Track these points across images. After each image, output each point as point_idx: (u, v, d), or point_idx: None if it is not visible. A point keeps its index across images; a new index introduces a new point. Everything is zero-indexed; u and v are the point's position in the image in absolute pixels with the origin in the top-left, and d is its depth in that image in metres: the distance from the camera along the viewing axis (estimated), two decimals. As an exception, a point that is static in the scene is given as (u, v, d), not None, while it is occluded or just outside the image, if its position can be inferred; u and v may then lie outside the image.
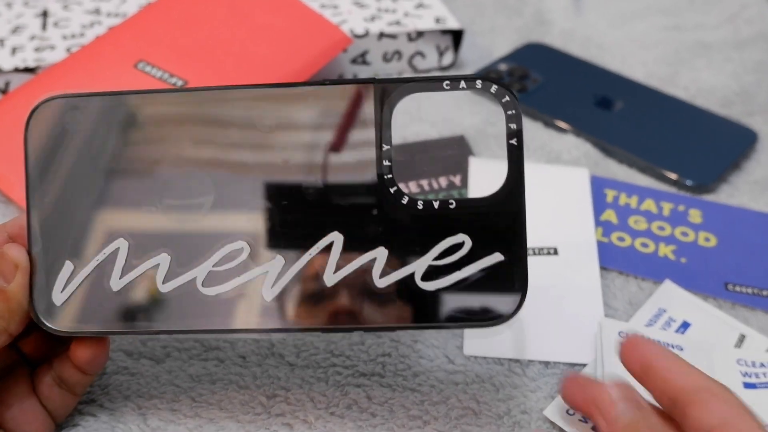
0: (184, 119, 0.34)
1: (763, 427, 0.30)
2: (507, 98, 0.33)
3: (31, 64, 0.58)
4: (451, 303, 0.32)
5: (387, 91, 0.33)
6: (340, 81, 0.34)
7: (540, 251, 0.48)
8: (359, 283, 0.33)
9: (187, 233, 0.34)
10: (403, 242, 0.33)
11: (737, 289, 0.48)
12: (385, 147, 0.33)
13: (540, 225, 0.50)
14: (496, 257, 0.32)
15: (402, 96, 0.33)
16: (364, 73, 0.65)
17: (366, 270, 0.33)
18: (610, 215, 0.52)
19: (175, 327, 0.34)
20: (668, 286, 0.47)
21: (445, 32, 0.65)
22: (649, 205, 0.54)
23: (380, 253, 0.33)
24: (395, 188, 0.33)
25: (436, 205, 0.33)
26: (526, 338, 0.39)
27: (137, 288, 0.34)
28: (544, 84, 0.64)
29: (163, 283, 0.34)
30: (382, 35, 0.63)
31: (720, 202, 0.55)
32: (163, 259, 0.34)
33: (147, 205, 0.34)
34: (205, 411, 0.40)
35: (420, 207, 0.33)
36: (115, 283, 0.34)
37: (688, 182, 0.55)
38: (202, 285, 0.34)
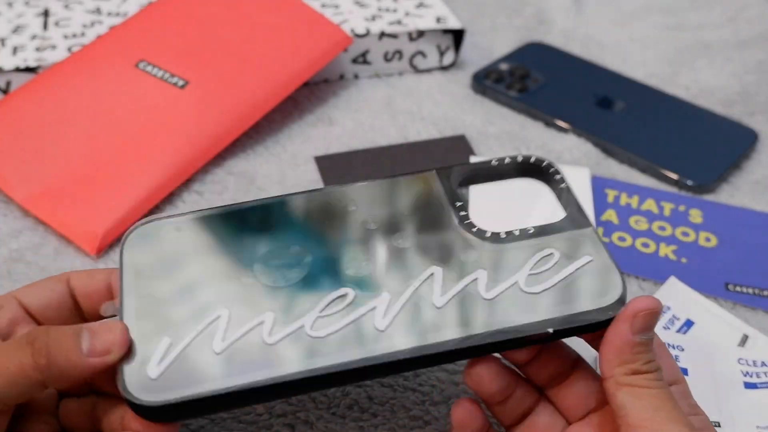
0: (272, 223, 0.37)
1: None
2: (545, 162, 0.39)
3: (32, 63, 0.58)
4: (558, 301, 0.34)
5: (447, 173, 0.39)
6: (409, 172, 0.39)
7: (541, 251, 0.48)
8: (468, 297, 0.34)
9: (288, 293, 0.34)
10: (497, 264, 0.35)
11: (738, 289, 0.48)
12: (458, 204, 0.37)
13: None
14: (586, 259, 0.35)
15: (459, 175, 0.39)
16: (365, 72, 0.65)
17: (471, 287, 0.35)
18: (610, 215, 0.53)
19: (286, 371, 0.32)
20: (673, 283, 0.47)
21: (445, 32, 0.65)
22: (649, 205, 0.54)
23: (480, 274, 0.35)
24: (476, 228, 0.37)
25: (516, 233, 0.36)
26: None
27: (242, 345, 0.32)
28: (544, 84, 0.64)
29: (270, 335, 0.33)
30: (382, 35, 0.63)
31: (720, 202, 0.55)
32: (268, 317, 0.33)
33: (246, 276, 0.35)
34: (206, 411, 0.40)
35: (503, 236, 0.36)
36: (218, 345, 0.32)
37: (689, 182, 0.55)
38: (311, 329, 0.33)
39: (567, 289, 0.34)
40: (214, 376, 0.31)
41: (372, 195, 0.38)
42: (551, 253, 0.35)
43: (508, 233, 0.36)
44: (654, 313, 0.32)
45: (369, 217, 0.37)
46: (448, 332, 0.33)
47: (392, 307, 0.34)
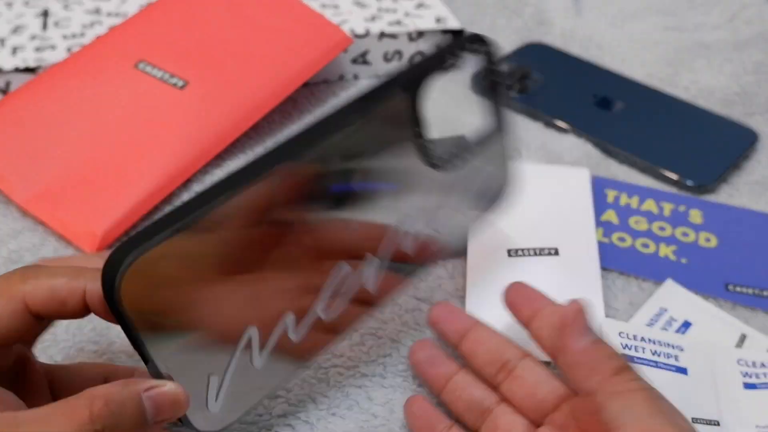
0: (246, 211, 0.34)
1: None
2: (477, 40, 0.41)
3: (32, 64, 0.58)
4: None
5: (411, 99, 0.39)
6: (376, 97, 0.38)
7: (540, 252, 0.48)
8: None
9: (297, 281, 0.36)
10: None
11: (738, 289, 0.48)
12: (423, 135, 0.40)
13: (540, 225, 0.50)
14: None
15: (425, 91, 0.39)
16: (364, 73, 0.65)
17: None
18: (610, 216, 0.52)
19: (315, 357, 0.38)
20: (670, 285, 0.47)
21: (445, 32, 0.65)
22: (649, 205, 0.54)
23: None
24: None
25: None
26: (527, 339, 0.39)
27: (277, 354, 0.36)
28: (544, 84, 0.64)
29: (294, 333, 0.36)
30: (382, 35, 0.63)
31: (720, 202, 0.55)
32: (290, 319, 0.36)
33: (256, 278, 0.35)
34: (206, 412, 0.40)
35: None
36: (257, 362, 0.36)
37: (689, 182, 0.55)
38: (323, 313, 0.37)
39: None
40: (261, 387, 0.37)
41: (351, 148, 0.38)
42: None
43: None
44: (580, 310, 0.35)
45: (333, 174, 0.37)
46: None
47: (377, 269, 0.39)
